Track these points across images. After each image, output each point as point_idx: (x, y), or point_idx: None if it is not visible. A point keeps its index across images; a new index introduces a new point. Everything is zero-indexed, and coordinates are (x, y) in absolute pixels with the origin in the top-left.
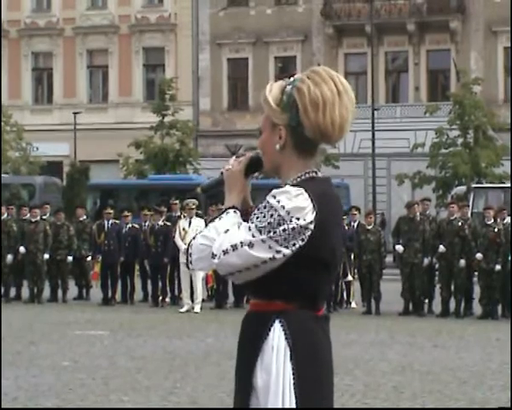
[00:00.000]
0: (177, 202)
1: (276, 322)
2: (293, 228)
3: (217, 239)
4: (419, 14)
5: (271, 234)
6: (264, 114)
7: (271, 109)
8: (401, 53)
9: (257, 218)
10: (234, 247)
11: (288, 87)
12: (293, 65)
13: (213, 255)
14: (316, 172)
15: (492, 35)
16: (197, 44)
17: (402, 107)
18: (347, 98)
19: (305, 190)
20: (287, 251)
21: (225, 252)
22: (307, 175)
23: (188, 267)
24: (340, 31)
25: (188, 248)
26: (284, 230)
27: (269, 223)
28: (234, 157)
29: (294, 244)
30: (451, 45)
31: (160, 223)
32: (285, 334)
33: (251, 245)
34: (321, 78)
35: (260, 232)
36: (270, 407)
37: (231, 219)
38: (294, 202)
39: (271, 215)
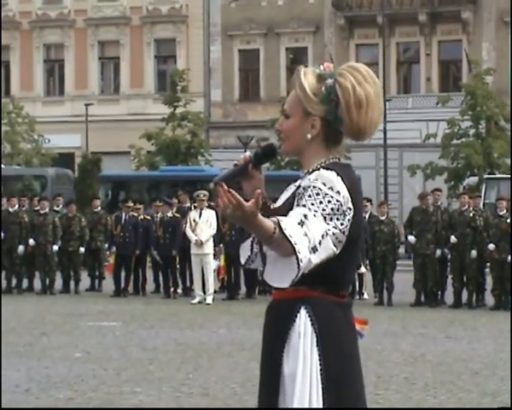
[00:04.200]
0: (181, 192)
1: (302, 308)
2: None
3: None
4: (430, 5)
5: (338, 223)
6: (294, 97)
7: (307, 98)
8: (413, 44)
9: (320, 206)
10: (320, 242)
11: (330, 80)
12: (304, 56)
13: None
14: (338, 158)
15: (504, 25)
16: (208, 36)
17: (414, 97)
18: (381, 99)
19: (337, 174)
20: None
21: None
22: (331, 160)
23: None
24: (352, 22)
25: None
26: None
27: (332, 209)
28: (247, 152)
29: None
30: (463, 36)
31: (170, 215)
32: (311, 320)
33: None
34: (363, 77)
35: (328, 220)
36: (297, 393)
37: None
38: (340, 188)
39: (329, 202)
